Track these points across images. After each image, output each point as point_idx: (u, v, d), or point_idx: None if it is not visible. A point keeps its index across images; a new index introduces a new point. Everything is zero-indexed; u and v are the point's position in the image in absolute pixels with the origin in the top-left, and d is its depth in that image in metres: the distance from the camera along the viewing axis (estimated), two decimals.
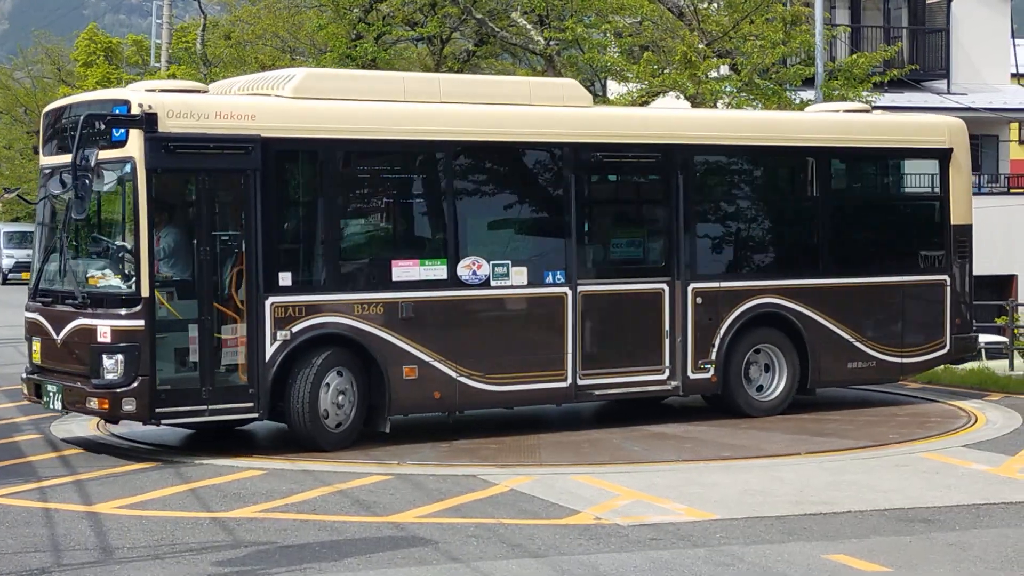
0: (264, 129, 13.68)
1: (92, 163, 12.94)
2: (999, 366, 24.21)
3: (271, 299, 13.58)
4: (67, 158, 13.49)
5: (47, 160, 14.45)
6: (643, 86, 27.10)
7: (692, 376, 15.95)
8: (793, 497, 11.71)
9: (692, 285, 15.90)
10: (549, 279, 15.14)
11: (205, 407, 13.42)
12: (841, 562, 9.53)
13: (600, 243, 15.88)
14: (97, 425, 15.56)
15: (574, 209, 15.39)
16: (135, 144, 13.08)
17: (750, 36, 27.14)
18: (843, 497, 11.69)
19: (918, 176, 18.22)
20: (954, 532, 10.50)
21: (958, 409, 17.29)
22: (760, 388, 16.62)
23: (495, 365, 14.77)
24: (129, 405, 13.09)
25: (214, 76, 34.80)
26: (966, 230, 17.97)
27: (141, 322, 13.07)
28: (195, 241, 13.42)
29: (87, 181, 12.95)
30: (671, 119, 17.09)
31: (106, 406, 13.14)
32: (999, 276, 38.41)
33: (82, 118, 13.13)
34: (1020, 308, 32.35)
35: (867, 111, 18.77)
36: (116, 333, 13.11)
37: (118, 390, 13.06)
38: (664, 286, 15.80)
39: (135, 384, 13.06)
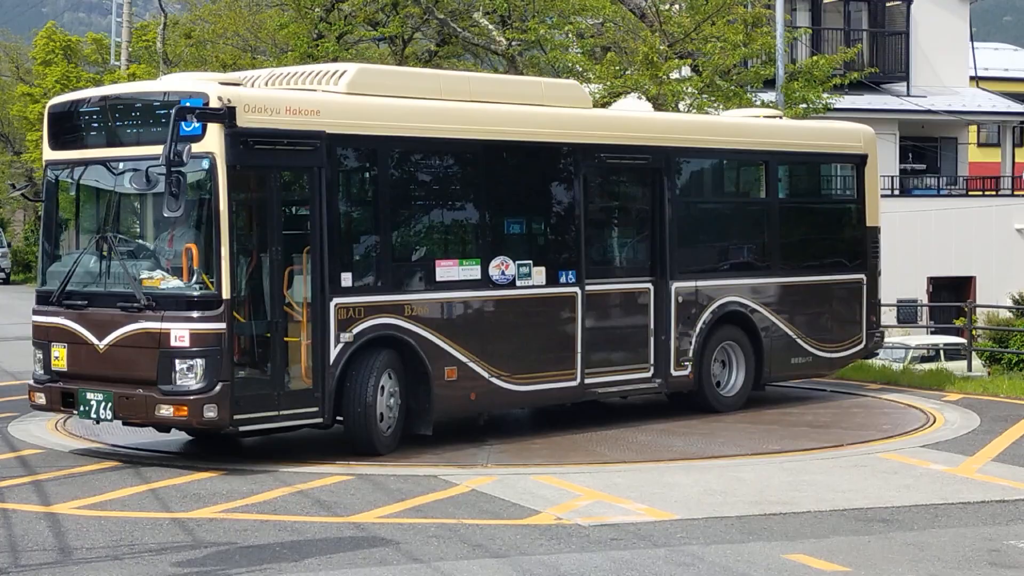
0: (328, 125, 13.33)
1: (184, 158, 12.16)
2: (957, 367, 24.41)
3: (335, 300, 13.21)
4: (105, 152, 13.21)
5: (69, 154, 13.70)
6: (605, 86, 27.16)
7: (675, 373, 16.23)
8: (753, 497, 11.75)
9: (675, 284, 16.19)
10: (563, 279, 15.20)
11: (277, 412, 12.98)
12: (801, 562, 9.57)
13: (601, 243, 16.06)
14: (56, 426, 15.46)
15: (583, 209, 15.46)
16: (214, 138, 12.51)
17: (711, 38, 27.25)
18: (803, 497, 11.75)
19: (840, 180, 19.01)
20: (912, 532, 10.56)
21: (917, 409, 17.40)
22: (718, 384, 16.97)
23: (519, 365, 14.74)
24: (211, 412, 12.48)
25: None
26: (877, 232, 18.91)
27: (222, 325, 12.49)
28: (267, 241, 12.99)
29: (181, 177, 12.22)
30: (663, 121, 17.68)
31: (185, 413, 12.50)
32: (957, 278, 38.72)
33: (175, 110, 12.33)
34: (978, 310, 32.63)
35: (778, 117, 19.38)
36: (196, 337, 12.50)
37: (198, 397, 12.46)
38: (650, 285, 16.06)
39: (216, 390, 12.48)
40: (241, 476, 12.62)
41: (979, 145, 49.15)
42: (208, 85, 12.93)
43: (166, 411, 12.58)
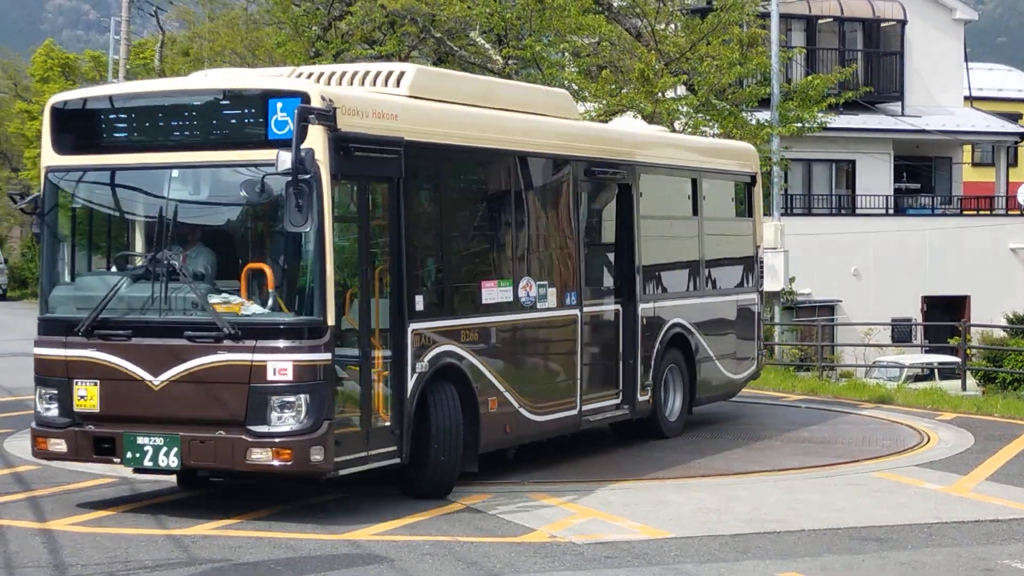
0: (406, 131, 11.97)
1: (308, 166, 10.72)
2: (952, 386, 24.46)
3: (412, 326, 11.91)
4: (149, 158, 11.52)
5: (89, 160, 11.87)
6: (601, 105, 27.25)
7: (640, 399, 15.46)
8: (747, 515, 11.76)
9: (641, 306, 15.53)
10: (568, 300, 14.27)
11: (366, 453, 11.50)
12: None
13: (591, 262, 14.99)
14: None
15: (583, 226, 14.70)
16: (318, 144, 10.95)
17: (707, 57, 27.37)
18: (797, 516, 11.76)
19: (739, 199, 18.50)
20: (907, 551, 10.57)
21: (911, 428, 17.42)
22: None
23: (538, 393, 13.70)
24: (317, 455, 10.94)
25: None
26: (760, 251, 18.69)
27: (328, 356, 10.98)
28: (358, 261, 11.49)
29: (307, 187, 10.73)
30: (639, 136, 16.82)
31: (289, 458, 10.88)
32: (952, 297, 38.80)
33: (296, 111, 10.85)
34: (973, 329, 32.68)
35: (669, 132, 19.14)
36: (300, 369, 10.89)
37: (303, 438, 10.90)
38: (619, 307, 15.33)
39: (322, 430, 10.94)
40: (236, 492, 12.62)
41: (973, 165, 49.34)
42: (305, 83, 11.77)
43: (260, 455, 10.96)
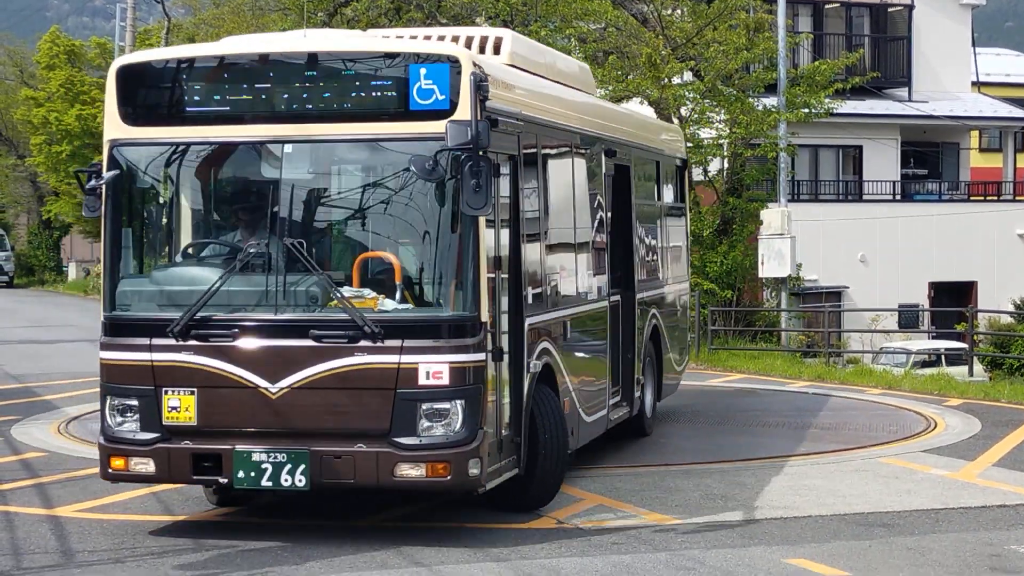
0: (521, 106, 10.85)
1: (485, 140, 9.45)
2: (958, 372, 24.44)
3: (528, 320, 10.82)
4: (262, 130, 9.96)
5: (176, 132, 10.20)
6: (608, 91, 27.23)
7: (636, 395, 14.54)
8: (754, 502, 11.76)
9: (638, 296, 14.64)
10: (603, 290, 13.35)
11: (500, 464, 10.34)
12: (802, 566, 9.58)
13: (611, 248, 13.92)
14: (59, 429, 15.48)
15: (609, 211, 13.74)
16: (470, 115, 9.67)
17: (713, 42, 27.34)
18: (803, 502, 11.76)
19: (678, 183, 17.68)
20: (913, 537, 10.57)
21: (918, 414, 17.42)
22: None
23: (588, 391, 12.65)
24: (475, 468, 9.73)
25: None
26: (689, 239, 18.14)
27: (482, 356, 9.79)
28: (492, 248, 10.18)
29: (487, 163, 9.46)
30: (629, 114, 16.30)
31: (446, 472, 9.65)
32: (959, 283, 38.76)
33: (470, 76, 9.64)
34: (980, 315, 32.64)
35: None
36: (456, 373, 9.64)
37: (461, 450, 9.67)
38: (619, 297, 14.15)
39: (479, 440, 9.74)
40: None
41: (981, 150, 49.22)
42: (453, 47, 10.26)
43: (412, 471, 9.69)
